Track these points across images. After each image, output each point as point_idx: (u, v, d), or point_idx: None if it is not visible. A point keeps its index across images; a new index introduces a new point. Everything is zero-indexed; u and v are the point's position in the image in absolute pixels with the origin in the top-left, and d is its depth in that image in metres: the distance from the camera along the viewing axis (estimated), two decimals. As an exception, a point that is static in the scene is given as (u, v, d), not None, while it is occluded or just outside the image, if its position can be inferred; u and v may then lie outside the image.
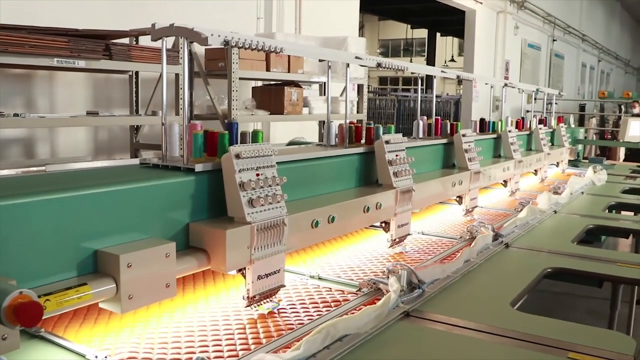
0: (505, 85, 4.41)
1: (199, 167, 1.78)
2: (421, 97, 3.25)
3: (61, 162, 4.13)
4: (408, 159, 2.66)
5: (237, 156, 1.76)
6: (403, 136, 2.73)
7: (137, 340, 1.58)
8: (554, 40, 16.15)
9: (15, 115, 3.59)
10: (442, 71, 3.32)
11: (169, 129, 1.89)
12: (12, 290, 0.90)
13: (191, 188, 1.77)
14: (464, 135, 3.38)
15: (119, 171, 1.89)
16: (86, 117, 4.12)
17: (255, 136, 1.99)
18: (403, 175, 2.60)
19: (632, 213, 4.35)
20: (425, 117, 3.44)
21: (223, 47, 4.60)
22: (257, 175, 1.81)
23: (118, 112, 4.98)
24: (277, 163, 1.89)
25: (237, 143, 1.93)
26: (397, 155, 2.61)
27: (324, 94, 6.71)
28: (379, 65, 2.59)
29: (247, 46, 1.82)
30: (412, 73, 3.16)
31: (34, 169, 3.75)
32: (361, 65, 2.53)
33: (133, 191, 1.59)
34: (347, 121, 2.58)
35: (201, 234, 1.73)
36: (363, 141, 2.71)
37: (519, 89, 4.85)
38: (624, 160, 8.13)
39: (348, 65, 2.52)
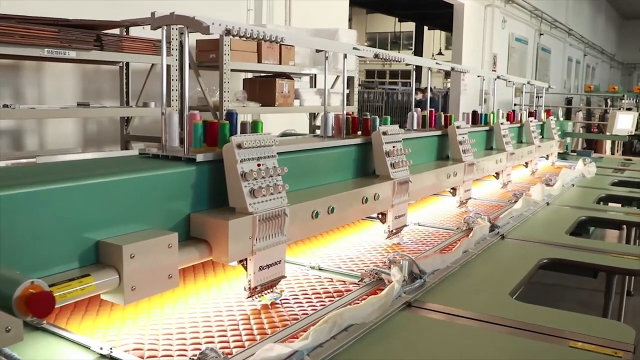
0: (498, 77, 4.42)
1: (200, 157, 1.76)
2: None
3: (51, 153, 4.07)
4: (405, 150, 2.66)
5: (239, 146, 1.74)
6: (395, 128, 2.72)
7: (141, 331, 1.57)
8: (540, 34, 16.23)
9: (5, 106, 3.54)
10: (436, 63, 3.32)
11: (169, 118, 1.87)
12: (23, 280, 0.88)
13: (192, 178, 1.75)
14: (458, 127, 3.39)
15: (119, 161, 1.87)
16: (77, 109, 4.07)
17: (255, 126, 1.98)
18: (400, 166, 2.60)
19: (619, 205, 4.38)
20: (419, 109, 3.44)
21: (214, 38, 4.54)
22: (259, 165, 1.80)
23: (107, 104, 4.93)
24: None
25: (236, 133, 1.91)
26: (394, 147, 2.61)
27: (315, 86, 6.69)
28: (376, 56, 2.58)
29: (247, 35, 1.81)
30: (406, 65, 3.16)
31: (24, 160, 3.70)
32: (360, 57, 2.51)
33: (136, 181, 1.58)
34: (345, 112, 2.57)
35: (203, 224, 1.71)
36: (359, 132, 2.71)
37: (509, 81, 4.87)
38: None
39: (345, 56, 2.51)
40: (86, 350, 1.44)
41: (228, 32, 1.75)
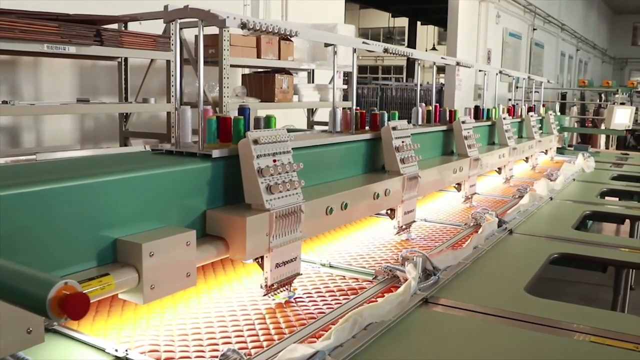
0: (500, 72, 4.41)
1: (215, 153, 1.74)
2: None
3: (50, 150, 4.02)
4: (414, 146, 2.64)
5: (255, 142, 1.72)
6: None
7: (156, 332, 1.54)
8: (534, 29, 16.25)
9: (4, 102, 3.48)
10: (442, 58, 3.30)
11: (182, 114, 1.84)
12: (57, 281, 0.86)
13: (208, 174, 1.72)
14: (463, 122, 3.37)
15: (133, 158, 1.84)
16: (78, 105, 4.02)
17: (268, 122, 1.95)
18: (409, 161, 2.58)
19: (617, 199, 4.38)
20: (424, 104, 3.43)
21: (213, 33, 4.49)
22: (274, 161, 1.77)
23: (104, 100, 4.88)
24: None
25: (249, 129, 1.89)
26: (403, 142, 2.59)
27: (312, 82, 6.66)
28: (385, 50, 2.56)
29: (263, 29, 1.78)
30: (410, 58, 3.13)
31: (23, 158, 3.65)
32: (369, 51, 2.49)
33: (154, 177, 1.55)
34: (354, 107, 2.55)
35: (219, 221, 1.69)
36: (367, 128, 2.69)
37: (510, 76, 4.86)
38: None
39: (355, 50, 2.49)
40: (101, 352, 1.41)
41: (244, 25, 1.72)
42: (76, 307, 0.85)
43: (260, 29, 1.77)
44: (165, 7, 1.74)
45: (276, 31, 1.83)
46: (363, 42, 2.45)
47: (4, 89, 4.41)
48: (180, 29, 4.76)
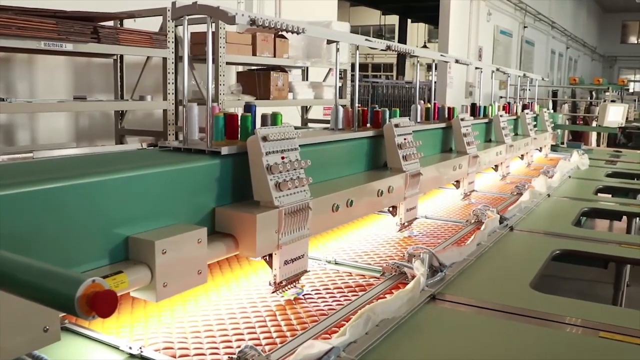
0: (497, 69, 4.43)
1: (224, 150, 1.73)
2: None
3: (45, 148, 3.98)
4: (415, 143, 2.65)
5: (264, 139, 1.72)
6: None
7: (168, 329, 1.53)
8: (524, 27, 16.33)
9: (1, 100, 3.45)
10: (441, 55, 3.31)
11: (189, 111, 1.84)
12: (84, 279, 0.85)
13: (217, 172, 1.72)
14: (462, 120, 3.38)
15: (141, 155, 1.83)
16: (76, 102, 3.99)
17: (275, 119, 1.95)
18: (411, 159, 2.59)
19: (610, 195, 4.41)
20: (422, 102, 3.44)
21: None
22: (282, 158, 1.77)
23: (99, 97, 4.84)
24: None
25: (255, 126, 1.89)
26: (405, 139, 2.60)
27: (307, 79, 6.64)
28: (388, 47, 2.56)
29: (272, 26, 1.78)
30: (413, 55, 3.13)
31: (20, 155, 3.61)
32: (371, 48, 2.49)
33: (165, 174, 1.54)
34: (357, 105, 2.55)
35: (229, 218, 1.68)
36: (369, 125, 2.70)
37: (505, 73, 4.88)
38: None
39: (357, 47, 2.49)
40: (114, 350, 1.41)
41: (253, 22, 1.71)
42: (105, 304, 0.84)
43: (269, 25, 1.76)
44: (173, 3, 1.73)
45: (284, 28, 1.83)
46: (366, 40, 2.45)
47: (-1, 86, 4.37)
48: (178, 25, 4.75)
